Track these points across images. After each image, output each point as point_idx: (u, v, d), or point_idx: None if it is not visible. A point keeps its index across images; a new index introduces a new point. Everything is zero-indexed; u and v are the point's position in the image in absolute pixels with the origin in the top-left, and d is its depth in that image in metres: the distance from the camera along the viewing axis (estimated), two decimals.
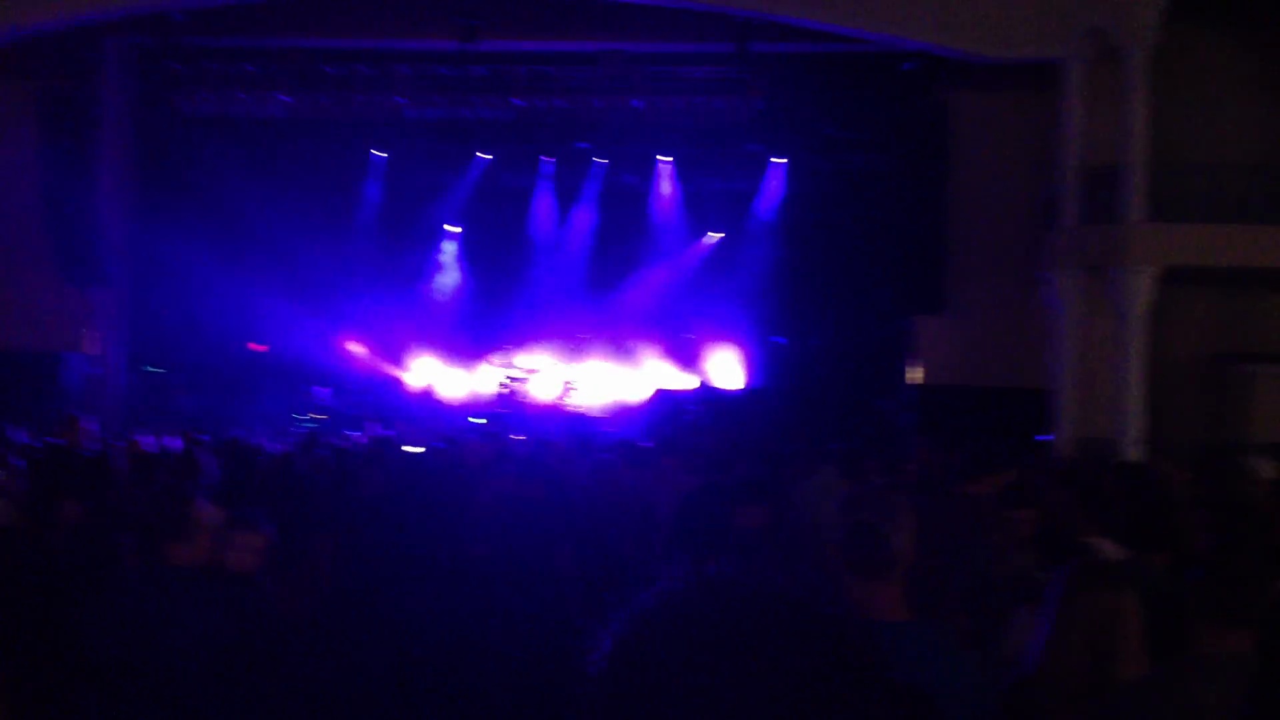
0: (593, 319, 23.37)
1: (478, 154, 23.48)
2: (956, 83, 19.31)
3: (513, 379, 22.67)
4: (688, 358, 22.39)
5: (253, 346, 23.91)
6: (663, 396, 21.36)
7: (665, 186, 23.48)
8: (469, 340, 23.81)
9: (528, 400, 22.37)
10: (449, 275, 24.70)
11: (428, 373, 23.55)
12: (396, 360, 23.75)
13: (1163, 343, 17.90)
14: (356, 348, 22.93)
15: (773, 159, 22.74)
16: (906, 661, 2.96)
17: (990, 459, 7.35)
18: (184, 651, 4.49)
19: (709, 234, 23.93)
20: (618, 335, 23.12)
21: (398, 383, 23.68)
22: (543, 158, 23.54)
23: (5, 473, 7.84)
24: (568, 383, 22.73)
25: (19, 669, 5.91)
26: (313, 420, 21.20)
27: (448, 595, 8.31)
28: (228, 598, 4.80)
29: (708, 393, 21.03)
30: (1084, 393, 18.10)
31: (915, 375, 20.35)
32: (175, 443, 11.44)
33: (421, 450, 11.86)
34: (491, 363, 23.10)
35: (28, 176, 20.50)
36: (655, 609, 1.26)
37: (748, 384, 21.45)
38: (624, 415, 21.78)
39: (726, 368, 22.30)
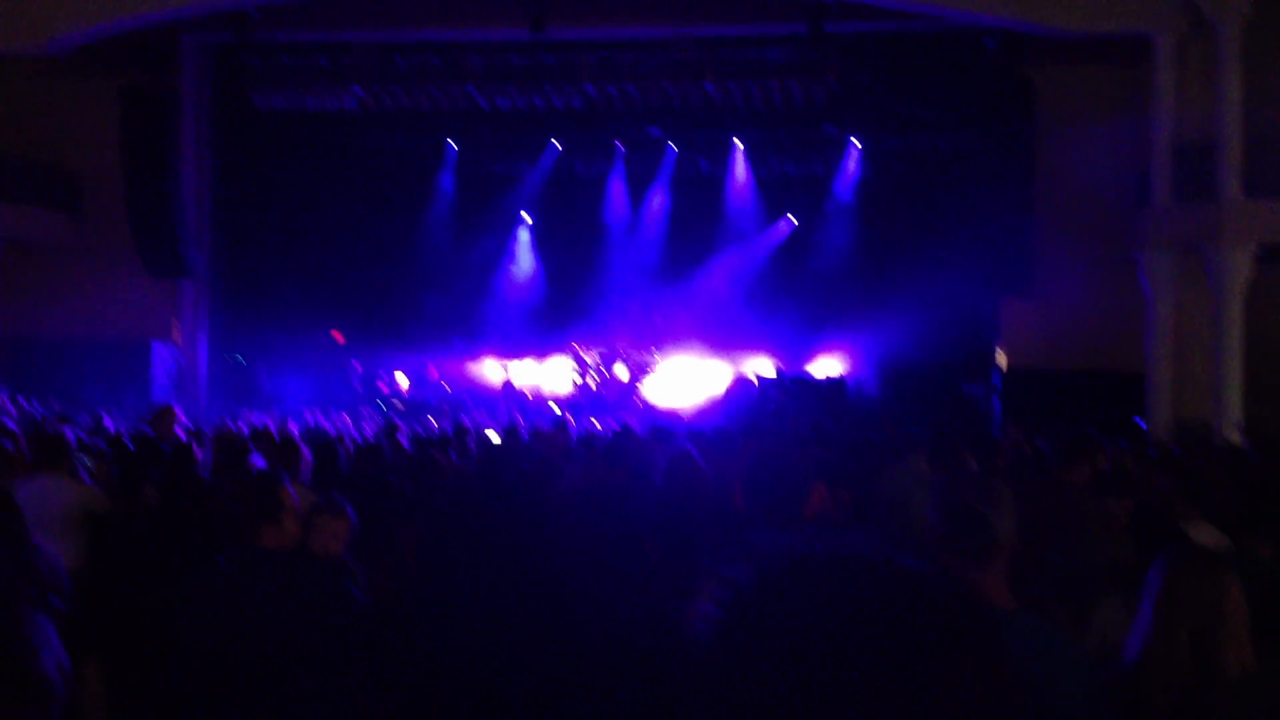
0: (669, 307, 23.28)
1: (551, 142, 23.49)
2: (1041, 58, 18.87)
3: (590, 368, 22.67)
4: (769, 344, 22.18)
5: (334, 335, 24.17)
6: (744, 383, 21.22)
7: (739, 171, 23.30)
8: (545, 329, 23.86)
9: (606, 389, 22.34)
10: (524, 263, 24.78)
11: (506, 363, 23.61)
12: (476, 351, 23.84)
13: (1259, 323, 17.39)
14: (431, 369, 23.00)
15: (849, 140, 22.46)
16: (1017, 651, 2.87)
17: (1085, 444, 7.14)
18: (274, 633, 4.50)
19: (785, 218, 23.72)
20: (696, 323, 22.97)
21: (477, 372, 23.79)
22: (616, 144, 23.47)
23: (100, 461, 7.94)
24: (646, 371, 22.68)
25: (115, 652, 5.96)
26: (392, 407, 21.37)
27: (530, 584, 8.29)
28: (317, 581, 4.81)
29: (790, 379, 20.83)
30: (1179, 375, 17.67)
31: (1002, 359, 19.99)
32: (263, 428, 11.54)
33: (499, 439, 11.85)
34: (568, 353, 23.11)
35: (113, 171, 20.87)
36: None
37: (832, 370, 21.21)
38: (706, 403, 21.69)
39: (809, 354, 22.06)
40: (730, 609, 1.20)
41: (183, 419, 12.11)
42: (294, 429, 12.64)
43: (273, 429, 10.97)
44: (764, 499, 4.72)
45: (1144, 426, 16.81)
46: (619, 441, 9.32)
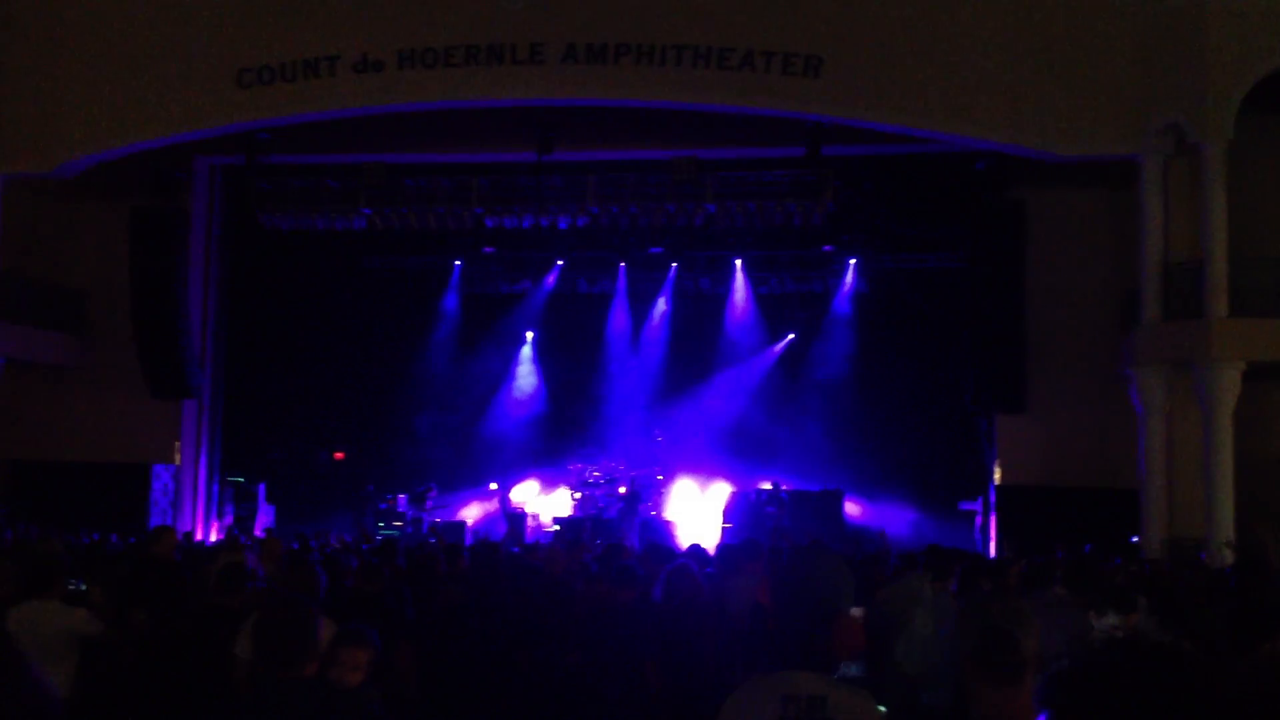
0: (670, 424, 23.38)
1: (555, 261, 23.82)
2: (1031, 180, 19.31)
3: (591, 486, 22.66)
4: (768, 459, 22.23)
5: (336, 455, 24.23)
6: (739, 498, 21.24)
7: (739, 288, 23.60)
8: (547, 448, 23.91)
9: (607, 508, 22.30)
10: (526, 381, 24.92)
11: (507, 482, 23.60)
12: (477, 470, 23.85)
13: (1250, 439, 17.49)
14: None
15: (846, 259, 22.81)
16: None
17: (1089, 563, 7.22)
18: None
19: (784, 334, 23.95)
20: (696, 440, 23.02)
21: (480, 492, 23.78)
22: (619, 263, 23.80)
23: (96, 585, 7.95)
24: (647, 489, 22.67)
25: None
26: (393, 528, 21.32)
27: (537, 703, 8.26)
28: (341, 714, 4.76)
29: (786, 493, 20.85)
30: (1172, 492, 17.71)
31: (997, 475, 20.05)
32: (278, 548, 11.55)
33: (502, 556, 11.85)
34: (570, 471, 23.11)
35: (118, 292, 21.11)
36: (1089, 666, 1.57)
37: (826, 484, 21.24)
38: (705, 519, 21.67)
39: (806, 469, 22.09)
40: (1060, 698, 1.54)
41: (179, 540, 12.13)
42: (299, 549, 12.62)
43: (297, 557, 10.97)
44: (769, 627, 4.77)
45: (1134, 543, 16.80)
46: (620, 558, 9.36)
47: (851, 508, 21.39)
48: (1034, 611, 6.46)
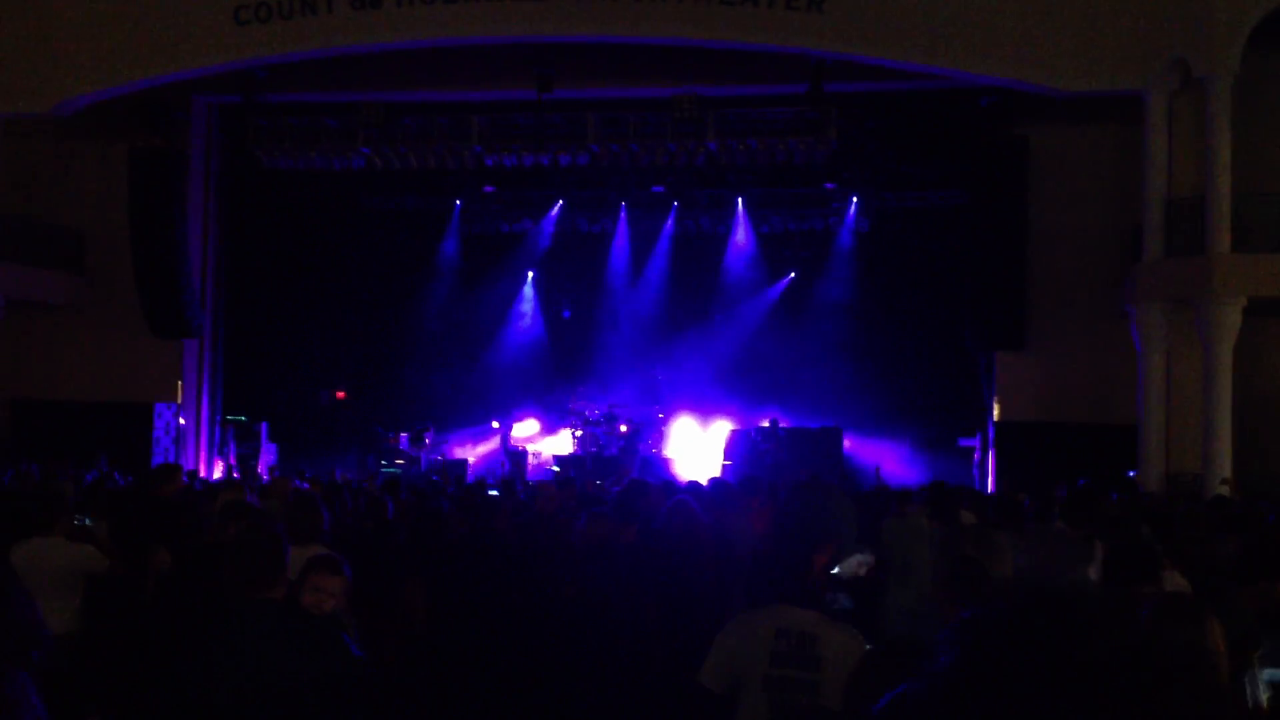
0: (671, 363, 23.42)
1: (556, 200, 23.74)
2: (1034, 118, 19.18)
3: (592, 425, 22.74)
4: (768, 397, 22.31)
5: (337, 394, 24.29)
6: (739, 435, 21.33)
7: (741, 227, 23.53)
8: (548, 387, 23.99)
9: (608, 446, 22.39)
10: (528, 320, 24.95)
11: (509, 420, 23.69)
12: (479, 409, 23.94)
13: (1250, 375, 17.53)
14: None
15: (848, 197, 22.73)
16: None
17: (1087, 496, 7.26)
18: (271, 687, 4.53)
19: (785, 273, 23.92)
20: (697, 379, 23.07)
21: (481, 431, 23.90)
22: (620, 202, 23.71)
23: (103, 521, 8.00)
24: (648, 428, 22.77)
25: (114, 712, 6.01)
26: (395, 466, 21.43)
27: (539, 639, 8.34)
28: (311, 635, 4.82)
29: (784, 430, 20.93)
30: (1171, 428, 17.78)
31: (996, 412, 20.13)
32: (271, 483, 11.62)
33: (501, 492, 11.93)
34: (570, 410, 23.19)
35: (117, 231, 21.08)
36: (997, 621, 1.54)
37: (825, 422, 21.33)
38: (705, 456, 21.78)
39: (806, 407, 22.16)
40: (965, 650, 1.50)
41: (184, 478, 12.19)
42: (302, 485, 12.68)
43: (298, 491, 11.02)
44: (768, 559, 4.83)
45: (1131, 479, 16.89)
46: (626, 494, 9.42)
47: (850, 444, 21.48)
48: (1037, 544, 6.54)
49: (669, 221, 23.85)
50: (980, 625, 1.58)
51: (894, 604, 7.34)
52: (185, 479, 12.80)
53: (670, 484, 12.02)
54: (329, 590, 5.07)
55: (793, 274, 23.91)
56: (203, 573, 6.53)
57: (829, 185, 22.37)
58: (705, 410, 23.04)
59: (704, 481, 10.90)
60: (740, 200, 23.25)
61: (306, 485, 12.49)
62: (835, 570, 5.25)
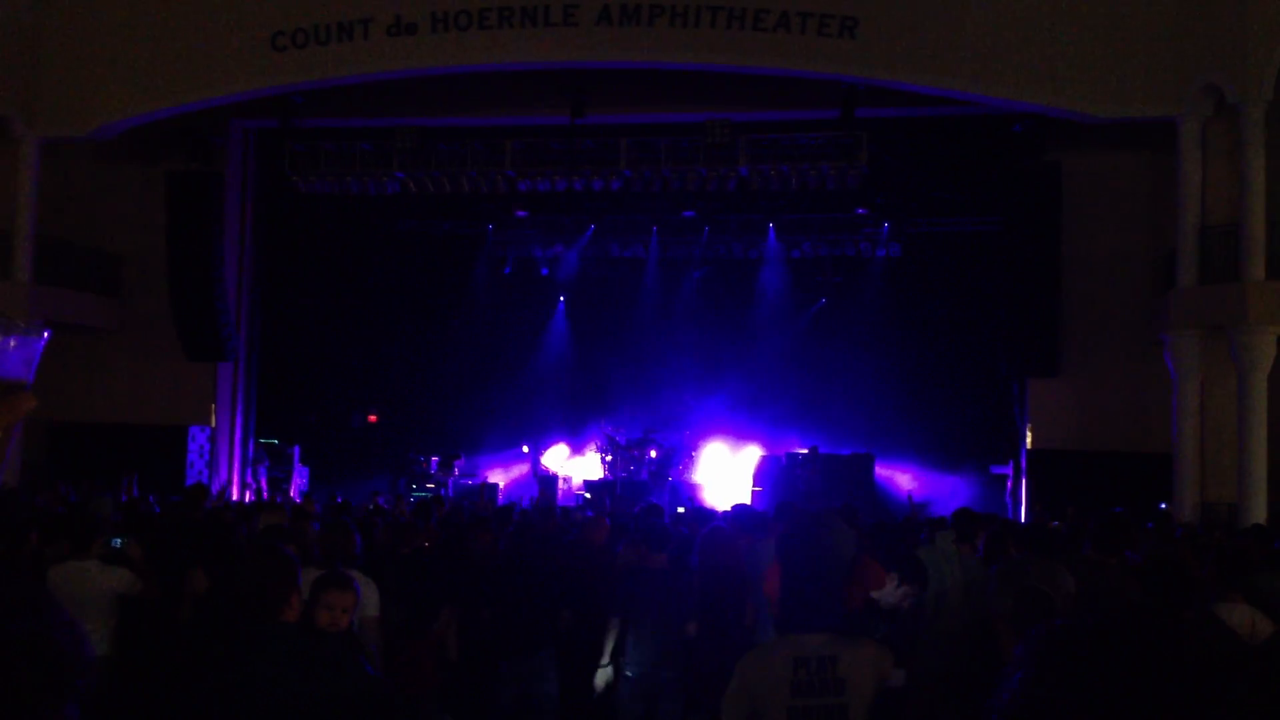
0: (703, 388, 23.37)
1: (588, 224, 23.80)
2: (1067, 143, 19.12)
3: (624, 451, 22.73)
4: (801, 424, 22.25)
5: (370, 418, 24.41)
6: (770, 461, 21.26)
7: (772, 253, 23.53)
8: (580, 413, 23.98)
9: (640, 473, 22.37)
10: (560, 344, 24.98)
11: (540, 446, 23.73)
12: (511, 434, 23.98)
13: None
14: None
15: (880, 222, 22.70)
16: None
17: (1124, 527, 7.20)
18: (295, 713, 4.55)
19: (816, 298, 23.89)
20: (729, 405, 23.02)
21: (512, 455, 23.93)
22: (652, 226, 23.75)
23: (135, 543, 8.05)
24: (680, 455, 22.75)
25: None
26: (425, 490, 21.48)
27: (570, 665, 8.34)
28: (325, 654, 4.84)
29: (817, 456, 20.86)
30: (1205, 457, 17.62)
31: (1029, 439, 20.00)
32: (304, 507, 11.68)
33: (541, 517, 11.94)
34: (601, 436, 23.19)
35: (154, 255, 21.28)
36: (1069, 639, 1.52)
37: (857, 448, 21.24)
38: (735, 482, 21.71)
39: (839, 433, 22.08)
40: (1036, 671, 1.48)
41: (213, 499, 12.26)
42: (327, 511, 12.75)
43: (327, 514, 11.07)
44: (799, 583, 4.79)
45: (1165, 509, 16.71)
46: (655, 523, 9.42)
47: (883, 471, 21.38)
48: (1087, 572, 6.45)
49: (700, 247, 23.88)
50: (1057, 640, 1.58)
51: (928, 631, 7.30)
52: (213, 500, 12.92)
53: (702, 511, 12.01)
54: (342, 607, 5.08)
55: (824, 299, 23.87)
56: (231, 592, 6.58)
57: (860, 210, 22.35)
58: (736, 436, 22.99)
59: (733, 508, 10.90)
60: (771, 225, 23.26)
61: (320, 509, 12.58)
62: (875, 597, 5.21)
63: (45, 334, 1.81)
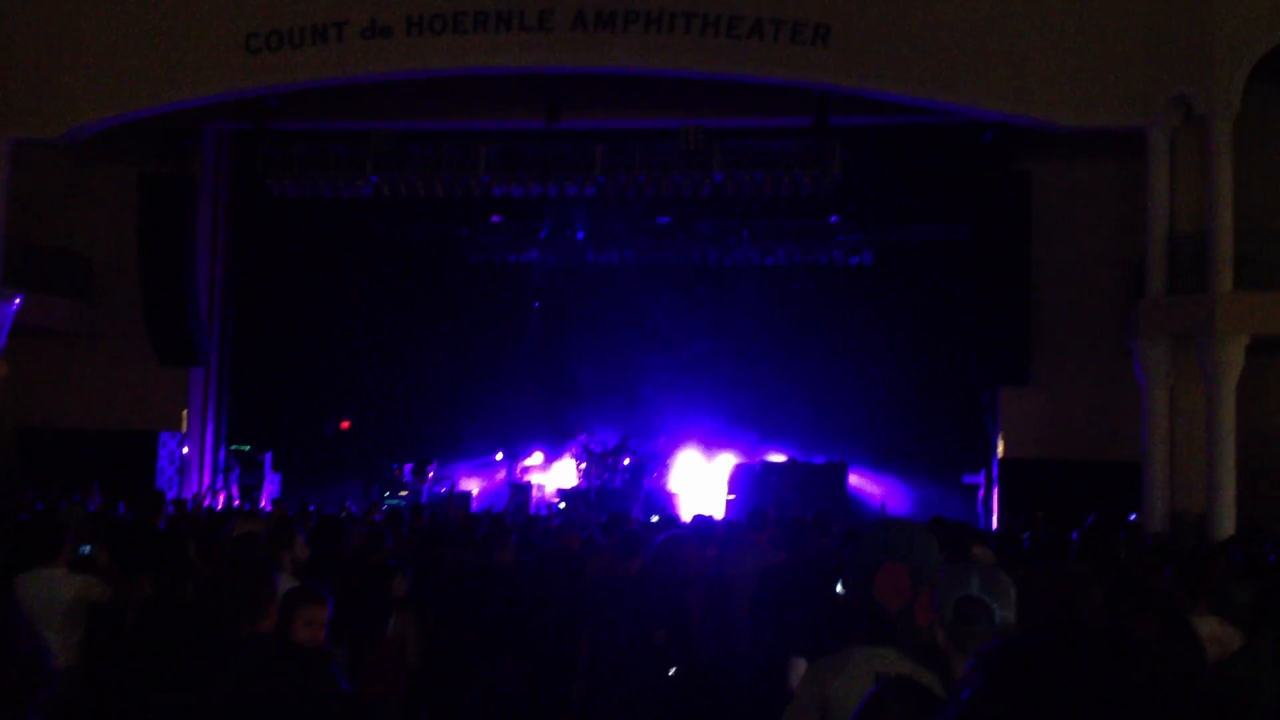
0: (677, 396, 23.35)
1: (563, 230, 23.76)
2: (1037, 153, 19.26)
3: (598, 459, 22.72)
4: (769, 431, 22.30)
5: (343, 424, 24.30)
6: (743, 470, 21.29)
7: (746, 259, 23.54)
8: (553, 420, 23.94)
9: (614, 481, 22.36)
10: (532, 349, 24.90)
11: (513, 453, 23.70)
12: (484, 441, 23.93)
13: (1253, 413, 17.49)
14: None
15: (852, 230, 22.75)
16: None
17: (1095, 535, 7.27)
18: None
19: (790, 305, 23.91)
20: (703, 413, 23.02)
21: (485, 463, 23.88)
22: (625, 232, 23.73)
23: (103, 550, 8.00)
24: (654, 463, 22.76)
25: None
26: (398, 498, 21.40)
27: (535, 671, 8.33)
28: (300, 667, 4.84)
29: (790, 465, 20.90)
30: (1174, 465, 17.73)
31: (1001, 448, 20.09)
32: (261, 517, 11.63)
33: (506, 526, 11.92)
34: (576, 444, 23.17)
35: (125, 258, 21.15)
36: (1025, 652, 1.54)
37: (830, 456, 21.30)
38: (709, 490, 21.74)
39: (811, 441, 22.13)
40: (989, 677, 1.52)
41: (169, 509, 12.17)
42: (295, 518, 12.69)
43: (276, 519, 11.02)
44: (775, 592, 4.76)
45: (1135, 520, 16.83)
46: (624, 527, 9.43)
47: (855, 480, 21.44)
48: (1041, 582, 6.48)
49: (674, 252, 23.86)
50: (1007, 657, 1.59)
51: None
52: (171, 508, 12.84)
53: (668, 519, 12.03)
54: (320, 621, 5.10)
55: (797, 307, 23.90)
56: (186, 602, 6.54)
57: (833, 218, 22.40)
58: (710, 443, 23.00)
59: (706, 516, 10.92)
60: (745, 232, 23.28)
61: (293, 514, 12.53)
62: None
63: (16, 300, 1.81)
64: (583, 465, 22.77)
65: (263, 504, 20.39)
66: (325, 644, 5.15)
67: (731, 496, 20.52)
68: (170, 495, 16.89)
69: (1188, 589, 5.94)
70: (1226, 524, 15.66)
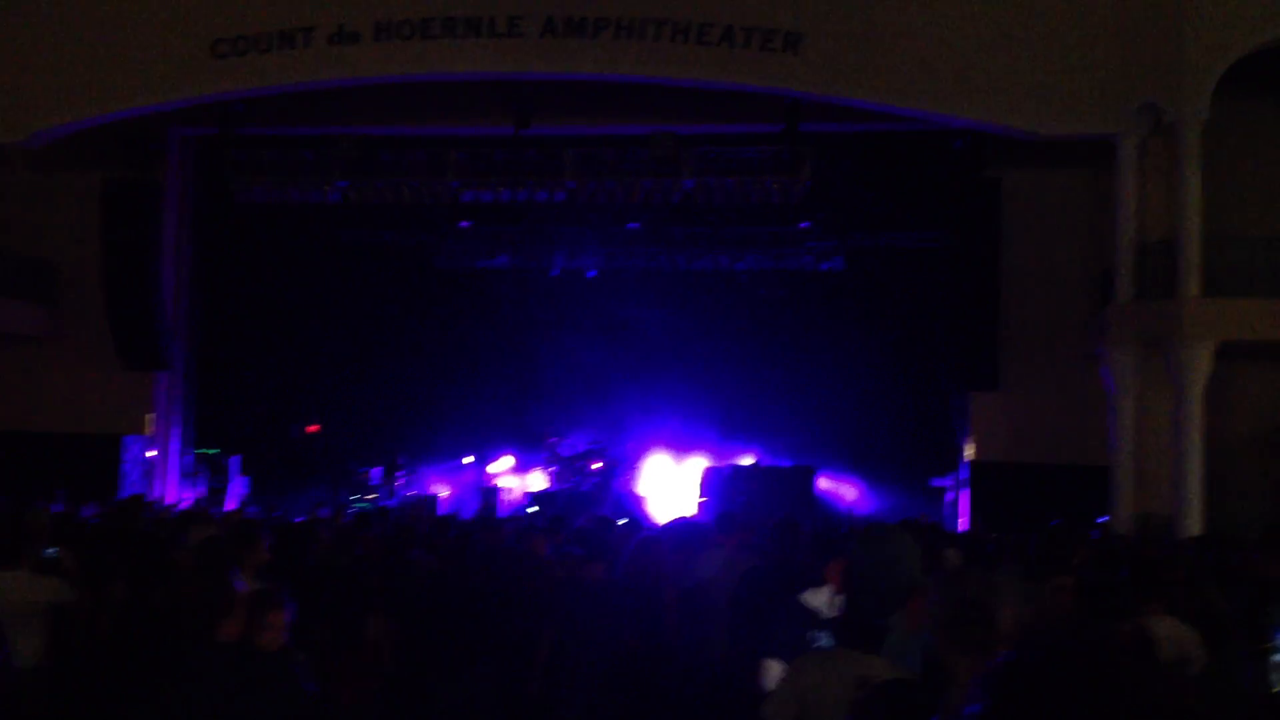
0: (646, 401, 23.34)
1: (532, 236, 23.71)
2: (1008, 160, 19.35)
3: (567, 463, 22.67)
4: (739, 435, 22.32)
5: (310, 429, 24.14)
6: (713, 473, 21.29)
7: (716, 264, 23.56)
8: (522, 424, 23.87)
9: (583, 485, 22.32)
10: (504, 355, 24.82)
11: (483, 458, 23.61)
12: (453, 446, 23.84)
13: (1220, 419, 17.63)
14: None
15: (822, 236, 22.81)
16: None
17: (1064, 540, 7.28)
18: None
19: (760, 311, 23.94)
20: (672, 418, 23.02)
21: (454, 467, 23.79)
22: (594, 238, 23.71)
23: (69, 553, 7.91)
24: (623, 467, 22.72)
25: None
26: (366, 501, 21.29)
27: (505, 676, 8.28)
28: (266, 672, 4.81)
29: (758, 469, 20.91)
30: (1142, 470, 17.86)
31: (970, 452, 20.18)
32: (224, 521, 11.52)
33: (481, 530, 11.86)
34: (545, 448, 23.12)
35: (89, 263, 20.95)
36: (1026, 674, 1.55)
37: (799, 460, 21.33)
38: (679, 494, 21.72)
39: (780, 446, 22.17)
40: (997, 691, 1.52)
41: (148, 511, 12.05)
42: (260, 522, 12.58)
43: (237, 523, 10.92)
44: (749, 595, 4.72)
45: (1103, 522, 16.93)
46: (586, 531, 9.39)
47: (824, 484, 21.49)
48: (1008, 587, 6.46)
49: (644, 259, 23.86)
50: (1014, 676, 1.56)
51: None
52: (151, 511, 12.71)
53: (636, 522, 11.99)
54: (280, 625, 5.07)
55: (768, 312, 23.94)
56: (163, 605, 6.47)
57: (804, 225, 22.46)
58: (680, 447, 23.00)
59: (674, 519, 10.88)
60: (716, 238, 23.30)
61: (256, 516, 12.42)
62: (812, 606, 5.18)
63: None
64: (552, 469, 22.70)
65: (227, 506, 20.20)
66: (287, 646, 5.12)
67: (703, 499, 20.50)
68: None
69: (1141, 590, 5.96)
70: (1194, 527, 15.75)
